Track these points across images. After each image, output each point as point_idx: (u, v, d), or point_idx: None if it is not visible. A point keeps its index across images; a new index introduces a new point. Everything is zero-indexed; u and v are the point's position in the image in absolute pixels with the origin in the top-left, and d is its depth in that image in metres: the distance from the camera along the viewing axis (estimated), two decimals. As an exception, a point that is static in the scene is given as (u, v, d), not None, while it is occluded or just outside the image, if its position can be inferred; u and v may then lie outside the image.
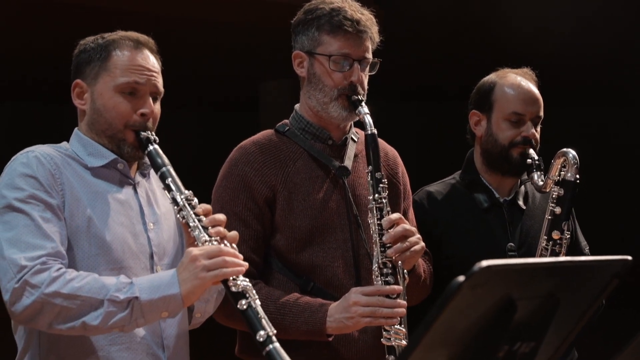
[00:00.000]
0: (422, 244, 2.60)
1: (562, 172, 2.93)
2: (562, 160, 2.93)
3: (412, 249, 2.55)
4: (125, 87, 2.35)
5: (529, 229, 3.04)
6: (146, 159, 2.36)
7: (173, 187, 2.24)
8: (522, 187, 3.12)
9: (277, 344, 2.02)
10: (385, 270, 2.53)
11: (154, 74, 2.39)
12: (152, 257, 2.36)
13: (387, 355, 2.51)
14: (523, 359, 1.61)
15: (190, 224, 2.19)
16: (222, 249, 2.14)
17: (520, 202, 3.08)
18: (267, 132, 2.76)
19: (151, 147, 2.32)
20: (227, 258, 2.12)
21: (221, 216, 2.23)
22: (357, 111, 2.62)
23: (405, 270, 2.57)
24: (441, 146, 7.86)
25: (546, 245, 2.91)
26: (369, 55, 2.66)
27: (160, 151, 2.32)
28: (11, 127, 9.46)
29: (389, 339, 2.51)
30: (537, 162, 2.97)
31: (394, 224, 2.55)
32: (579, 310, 1.70)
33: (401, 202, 2.83)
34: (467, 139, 3.16)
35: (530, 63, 3.17)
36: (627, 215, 9.73)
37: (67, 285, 2.12)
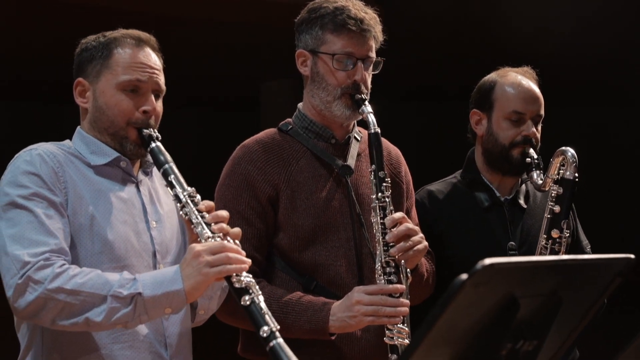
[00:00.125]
0: (425, 243, 2.60)
1: (561, 171, 2.93)
2: (561, 158, 2.93)
3: (415, 248, 2.55)
4: (127, 85, 2.35)
5: (529, 228, 3.04)
6: (149, 157, 2.37)
7: (176, 184, 2.24)
8: (523, 186, 3.12)
9: (280, 340, 2.02)
10: (388, 269, 2.53)
11: (156, 71, 2.39)
12: (154, 255, 2.36)
13: (389, 354, 2.51)
14: (526, 358, 1.61)
15: (193, 221, 2.19)
16: (225, 245, 2.14)
17: (521, 201, 3.08)
18: (270, 131, 2.76)
19: (154, 145, 2.33)
20: (231, 254, 2.13)
21: (224, 213, 2.23)
22: (360, 110, 2.62)
23: (408, 269, 2.57)
24: (441, 146, 7.85)
25: (545, 244, 2.91)
26: (373, 54, 2.66)
27: (163, 148, 2.32)
28: (11, 127, 9.45)
29: (392, 338, 2.51)
30: (536, 161, 2.97)
31: (397, 223, 2.55)
32: (582, 308, 1.70)
33: (404, 201, 2.83)
34: (468, 138, 3.16)
35: (530, 63, 3.17)
36: (627, 215, 9.73)
37: (70, 281, 2.12)
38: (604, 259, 1.65)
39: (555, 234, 2.90)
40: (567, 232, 2.91)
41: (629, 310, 6.29)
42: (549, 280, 1.59)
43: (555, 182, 2.92)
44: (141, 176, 2.44)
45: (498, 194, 3.07)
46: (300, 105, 2.78)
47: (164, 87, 2.42)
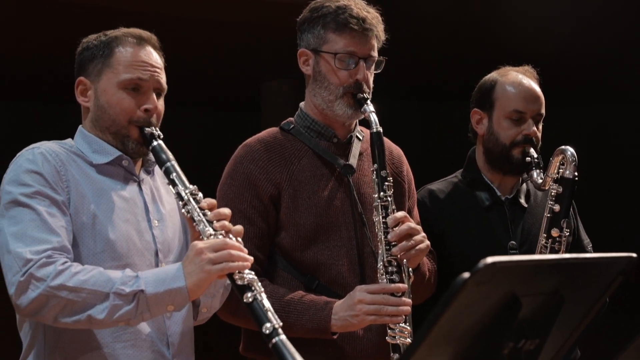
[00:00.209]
0: (427, 242, 2.60)
1: (561, 170, 2.93)
2: (560, 157, 2.93)
3: (417, 247, 2.55)
4: (128, 83, 2.35)
5: (530, 227, 3.04)
6: (151, 155, 2.37)
7: (177, 182, 2.25)
8: (524, 185, 3.12)
9: (283, 336, 2.01)
10: (390, 268, 2.53)
11: (157, 70, 2.39)
12: (157, 254, 2.36)
13: (391, 354, 2.51)
14: (527, 356, 1.61)
15: (195, 218, 2.19)
16: (227, 242, 2.14)
17: (522, 200, 3.09)
18: (272, 130, 2.76)
19: (155, 143, 2.33)
20: (233, 251, 2.13)
21: (226, 210, 2.23)
22: (362, 109, 2.62)
23: (410, 269, 2.57)
24: (441, 146, 7.85)
25: (545, 243, 2.91)
26: (375, 54, 2.66)
27: (165, 147, 2.33)
28: (11, 127, 9.43)
29: (394, 337, 2.51)
30: (536, 160, 2.97)
31: (399, 222, 2.55)
32: (584, 307, 1.70)
33: (406, 200, 2.83)
34: (469, 137, 3.16)
35: (531, 63, 3.17)
36: (627, 215, 9.72)
37: (72, 279, 2.12)
38: (606, 257, 1.65)
39: (555, 232, 2.90)
40: (567, 231, 2.91)
41: (629, 310, 6.30)
42: (551, 279, 1.59)
43: (555, 181, 2.92)
44: (143, 175, 2.44)
45: (499, 193, 3.07)
46: (302, 104, 2.78)
47: (165, 85, 2.42)
